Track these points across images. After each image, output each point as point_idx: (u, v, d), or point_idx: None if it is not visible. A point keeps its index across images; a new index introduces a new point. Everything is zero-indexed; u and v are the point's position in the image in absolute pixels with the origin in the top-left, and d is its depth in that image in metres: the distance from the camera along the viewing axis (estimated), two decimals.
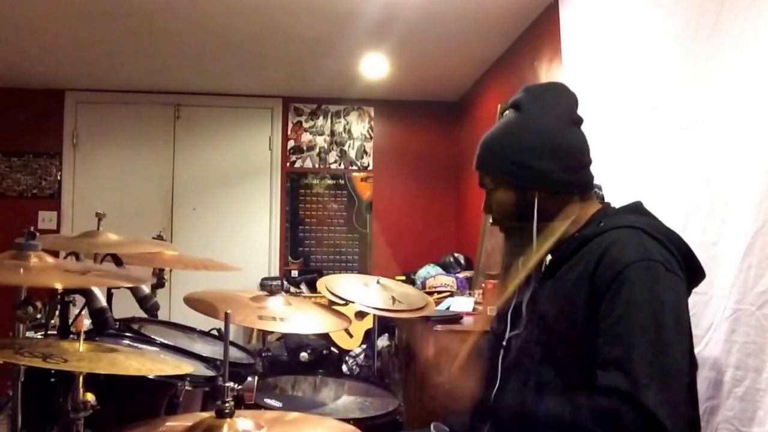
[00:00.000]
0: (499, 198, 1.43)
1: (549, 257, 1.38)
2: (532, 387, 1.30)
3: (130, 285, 1.81)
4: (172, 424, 1.16)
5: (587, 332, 1.22)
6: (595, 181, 1.44)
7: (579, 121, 1.42)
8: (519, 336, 1.39)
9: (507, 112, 1.47)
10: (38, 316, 1.42)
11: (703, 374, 1.61)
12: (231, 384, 1.06)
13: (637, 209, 1.38)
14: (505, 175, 1.40)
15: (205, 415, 1.11)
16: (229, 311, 1.13)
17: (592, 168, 1.43)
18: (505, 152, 1.40)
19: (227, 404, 1.05)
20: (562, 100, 1.43)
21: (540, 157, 1.35)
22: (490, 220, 1.50)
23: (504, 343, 1.42)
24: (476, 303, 3.19)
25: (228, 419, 1.04)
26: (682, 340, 1.20)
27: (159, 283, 2.16)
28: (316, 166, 5.06)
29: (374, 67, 4.20)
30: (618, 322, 1.18)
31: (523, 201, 1.38)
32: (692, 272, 1.30)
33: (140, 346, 1.80)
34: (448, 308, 3.12)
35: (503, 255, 1.50)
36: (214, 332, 2.19)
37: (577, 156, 1.38)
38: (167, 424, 1.19)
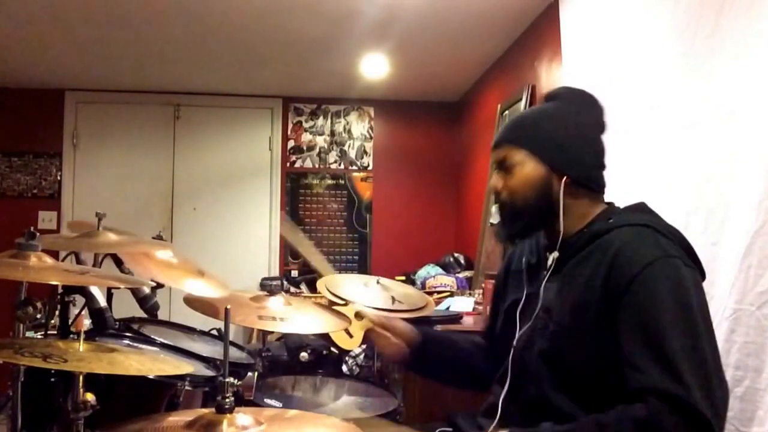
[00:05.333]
0: (524, 174, 1.37)
1: (556, 254, 1.38)
2: (537, 383, 1.31)
3: (129, 287, 1.81)
4: (172, 419, 1.16)
5: (599, 329, 1.22)
6: None
7: (605, 128, 1.45)
8: (523, 332, 1.39)
9: (544, 102, 1.49)
10: (38, 316, 1.42)
11: None
12: (231, 379, 1.06)
13: (643, 208, 1.39)
14: (541, 150, 1.37)
15: (205, 411, 1.10)
16: (228, 306, 1.13)
17: None
18: (545, 130, 1.39)
19: (227, 400, 1.05)
20: (597, 105, 1.46)
21: (580, 147, 1.38)
22: (496, 203, 1.46)
23: (515, 342, 1.41)
24: (476, 303, 3.19)
25: (228, 415, 1.04)
26: (712, 335, 1.20)
27: (159, 283, 2.16)
28: (316, 166, 5.06)
29: (374, 67, 4.20)
30: (646, 321, 1.17)
31: (548, 181, 1.36)
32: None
33: (140, 346, 1.80)
34: (448, 308, 3.12)
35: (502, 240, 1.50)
36: (214, 332, 2.19)
37: (603, 157, 1.42)
38: (168, 419, 1.18)
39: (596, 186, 1.40)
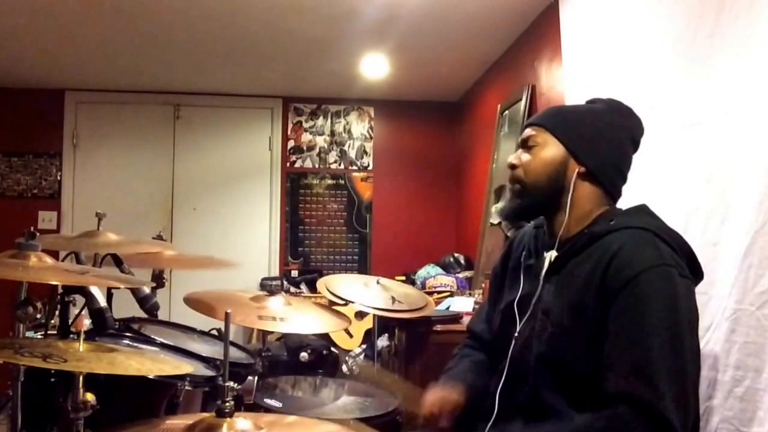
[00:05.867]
0: (543, 155, 1.40)
1: (555, 253, 1.38)
2: (533, 384, 1.31)
3: (130, 287, 1.81)
4: (172, 423, 1.16)
5: (595, 331, 1.23)
6: None
7: (637, 146, 1.46)
8: (521, 331, 1.39)
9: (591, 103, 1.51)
10: (38, 316, 1.42)
11: (703, 374, 1.60)
12: (231, 383, 1.06)
13: (644, 211, 1.39)
14: (566, 136, 1.39)
15: (205, 414, 1.10)
16: (229, 311, 1.13)
17: None
18: (575, 120, 1.42)
19: (227, 404, 1.05)
20: (638, 123, 1.47)
21: (604, 144, 1.39)
22: (510, 179, 1.47)
23: (516, 334, 1.41)
24: (476, 303, 3.19)
25: (227, 419, 1.04)
26: (694, 346, 1.22)
27: (159, 283, 2.16)
28: (316, 166, 5.06)
29: (374, 67, 4.20)
30: (633, 325, 1.18)
31: (564, 165, 1.38)
32: (694, 274, 1.31)
33: (140, 346, 1.80)
34: (448, 308, 3.12)
35: (507, 209, 1.49)
36: (214, 332, 2.19)
37: (626, 166, 1.44)
38: (167, 423, 1.19)
39: (610, 186, 1.40)
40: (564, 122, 1.42)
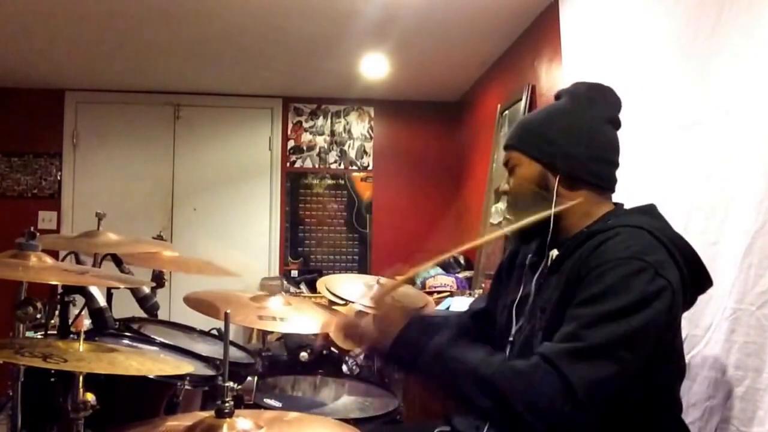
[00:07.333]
0: (521, 174, 1.40)
1: (555, 252, 1.38)
2: None
3: (130, 287, 1.82)
4: (172, 424, 1.16)
5: None
6: None
7: (617, 123, 1.42)
8: (522, 330, 1.39)
9: (555, 101, 1.48)
10: (38, 316, 1.42)
11: (703, 374, 1.61)
12: (231, 384, 1.06)
13: (649, 211, 1.36)
14: (533, 149, 1.39)
15: (205, 414, 1.10)
16: (228, 311, 1.13)
17: None
18: (539, 129, 1.40)
19: (227, 404, 1.05)
20: (608, 99, 1.43)
21: (571, 140, 1.36)
22: (504, 204, 1.48)
23: (511, 338, 1.41)
24: None
25: (227, 419, 1.04)
26: (644, 350, 1.17)
27: (159, 283, 2.16)
28: (316, 166, 5.06)
29: (374, 67, 4.20)
30: (583, 305, 1.18)
31: (543, 179, 1.37)
32: (698, 279, 1.29)
33: (140, 346, 1.80)
34: (448, 308, 3.12)
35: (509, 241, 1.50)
36: (214, 332, 2.19)
37: (608, 151, 1.39)
38: (167, 424, 1.18)
39: (598, 181, 1.37)
40: (529, 136, 1.41)
